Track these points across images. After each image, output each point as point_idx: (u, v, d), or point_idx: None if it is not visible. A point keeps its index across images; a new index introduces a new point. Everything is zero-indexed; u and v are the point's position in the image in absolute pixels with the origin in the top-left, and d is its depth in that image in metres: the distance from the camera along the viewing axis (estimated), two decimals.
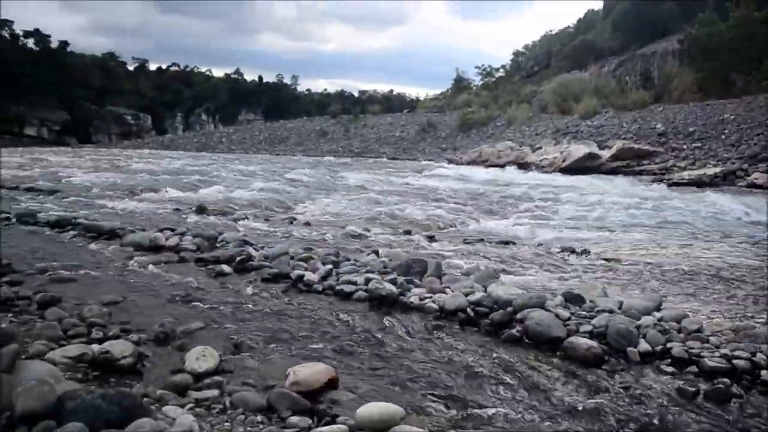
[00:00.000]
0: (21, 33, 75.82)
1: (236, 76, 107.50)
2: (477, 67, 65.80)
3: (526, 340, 3.83)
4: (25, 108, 66.11)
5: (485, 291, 4.49)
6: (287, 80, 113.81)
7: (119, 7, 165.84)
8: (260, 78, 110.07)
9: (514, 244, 7.76)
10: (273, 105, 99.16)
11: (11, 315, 3.92)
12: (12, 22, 75.15)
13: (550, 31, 64.09)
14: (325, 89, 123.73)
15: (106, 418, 2.08)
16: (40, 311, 4.00)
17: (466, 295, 4.41)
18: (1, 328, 2.83)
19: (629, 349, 3.61)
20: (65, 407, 2.09)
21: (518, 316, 4.03)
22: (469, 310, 4.23)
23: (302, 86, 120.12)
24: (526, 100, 39.87)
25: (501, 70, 65.44)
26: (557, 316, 3.95)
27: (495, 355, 3.65)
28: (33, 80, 66.24)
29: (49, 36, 76.72)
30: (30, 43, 75.84)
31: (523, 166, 25.17)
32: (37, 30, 76.62)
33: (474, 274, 5.29)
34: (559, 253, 7.14)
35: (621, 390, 3.20)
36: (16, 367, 2.51)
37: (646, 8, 41.28)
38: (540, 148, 26.93)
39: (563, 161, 23.54)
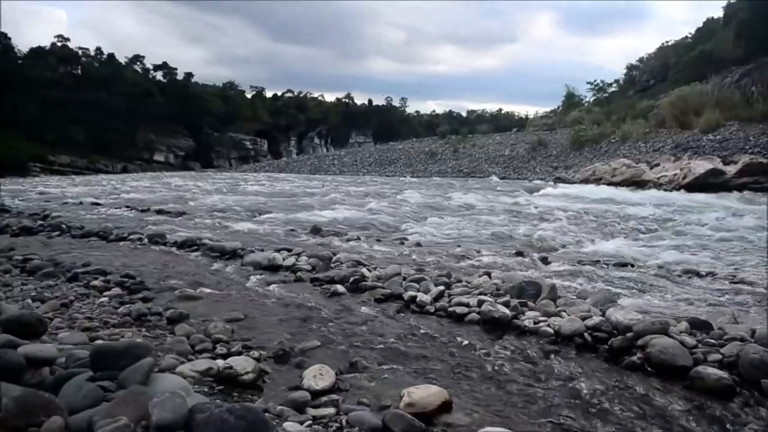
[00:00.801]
0: (151, 66, 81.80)
1: (347, 100, 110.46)
2: (589, 82, 63.89)
3: (648, 368, 3.64)
4: (154, 136, 71.01)
5: (603, 315, 4.32)
6: (396, 102, 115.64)
7: (238, 40, 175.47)
8: (370, 101, 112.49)
9: (632, 266, 7.43)
10: (382, 127, 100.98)
11: (144, 329, 4.21)
12: (143, 56, 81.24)
13: (667, 42, 61.28)
14: (434, 110, 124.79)
15: (232, 431, 2.19)
16: (169, 326, 4.28)
17: (583, 319, 4.26)
18: (136, 344, 3.04)
19: (764, 381, 3.36)
20: (196, 419, 2.21)
21: (639, 342, 3.84)
22: (586, 335, 4.09)
23: (411, 108, 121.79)
24: (642, 115, 38.21)
25: (614, 84, 63.33)
26: (682, 343, 3.74)
27: (615, 382, 3.50)
28: (162, 110, 71.04)
29: (176, 69, 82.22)
30: (159, 75, 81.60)
31: (640, 183, 24.10)
32: (165, 63, 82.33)
33: (590, 298, 5.13)
34: (681, 275, 6.78)
35: (755, 425, 2.98)
36: (151, 379, 2.69)
37: None
38: (658, 164, 25.71)
39: (684, 178, 22.34)
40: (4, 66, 63.80)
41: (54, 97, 63.66)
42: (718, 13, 53.72)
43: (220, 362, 3.42)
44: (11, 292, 5.10)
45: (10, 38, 72.17)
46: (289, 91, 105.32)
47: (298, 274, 6.13)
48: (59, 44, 77.00)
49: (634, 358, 3.75)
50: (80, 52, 78.08)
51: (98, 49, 79.40)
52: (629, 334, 3.94)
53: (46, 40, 79.92)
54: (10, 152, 50.93)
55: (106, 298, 5.02)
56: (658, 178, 23.77)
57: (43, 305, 4.60)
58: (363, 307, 5.03)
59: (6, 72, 62.02)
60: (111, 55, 78.81)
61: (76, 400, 2.45)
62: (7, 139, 53.28)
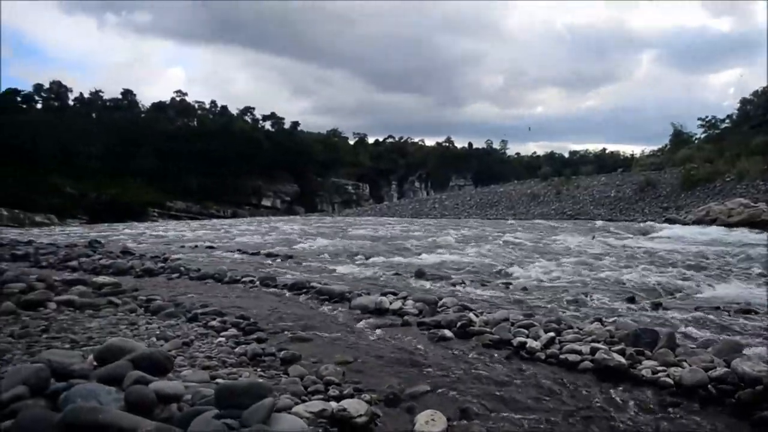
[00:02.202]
0: (260, 117, 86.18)
1: (446, 143, 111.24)
2: (699, 119, 61.08)
3: None
4: (262, 182, 74.26)
5: (728, 366, 4.08)
6: (496, 145, 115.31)
7: (341, 90, 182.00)
8: (470, 144, 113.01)
9: (757, 313, 6.97)
10: (482, 170, 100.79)
11: (260, 369, 4.37)
12: (253, 108, 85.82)
13: None
14: (535, 152, 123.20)
15: None
16: (283, 367, 4.41)
17: (706, 370, 4.04)
18: (259, 383, 3.16)
19: None
20: None
21: None
22: (710, 387, 3.88)
23: (511, 150, 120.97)
24: (758, 152, 36.04)
25: (727, 120, 60.27)
26: None
27: None
28: (269, 157, 74.38)
29: (283, 118, 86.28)
30: (267, 125, 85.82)
31: (760, 224, 22.63)
32: (273, 114, 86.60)
33: (712, 347, 4.86)
34: None
35: None
36: (272, 418, 2.79)
37: None
38: None
39: None
40: (129, 120, 69.31)
41: (171, 148, 68.22)
42: None
43: (333, 404, 3.49)
44: (137, 330, 5.44)
45: (135, 95, 78.38)
46: (390, 136, 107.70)
47: (405, 317, 6.17)
48: (178, 99, 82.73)
49: (765, 413, 3.51)
50: (196, 105, 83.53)
51: (213, 102, 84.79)
52: (759, 387, 3.71)
53: (165, 96, 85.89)
54: (134, 199, 54.83)
55: (224, 338, 5.24)
56: None
57: (167, 344, 4.86)
58: (471, 353, 4.99)
59: (131, 125, 67.35)
60: (224, 107, 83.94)
61: None
62: (131, 187, 57.49)
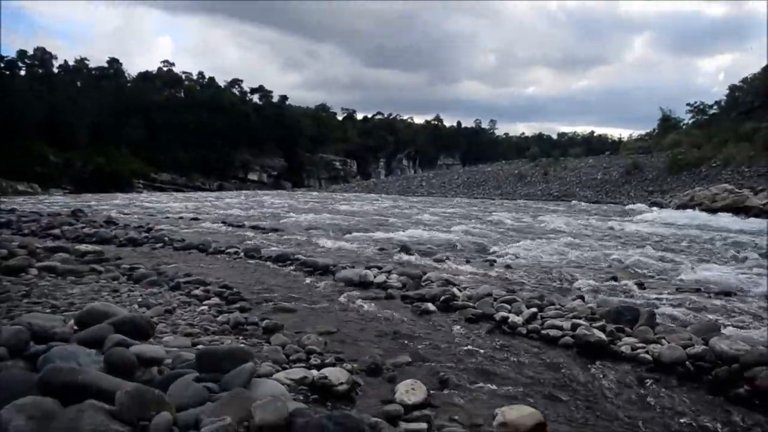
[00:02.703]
0: (248, 89, 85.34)
1: (436, 122, 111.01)
2: (688, 104, 61.29)
3: (757, 402, 3.45)
4: (249, 156, 73.79)
5: (706, 344, 4.13)
6: (485, 125, 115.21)
7: (332, 65, 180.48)
8: (459, 123, 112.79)
9: (736, 295, 7.05)
10: (471, 149, 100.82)
11: (242, 337, 4.37)
12: (241, 80, 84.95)
13: None
14: (523, 133, 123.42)
15: None
16: (265, 336, 4.42)
17: (685, 347, 4.08)
18: (239, 348, 3.16)
19: None
20: (296, 423, 2.28)
21: (747, 374, 3.65)
22: (688, 363, 3.92)
23: (500, 130, 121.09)
24: (746, 138, 36.27)
25: (715, 106, 60.52)
26: None
27: (720, 415, 3.33)
28: (257, 131, 73.86)
29: (272, 92, 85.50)
30: (255, 98, 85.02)
31: (744, 210, 22.82)
32: (261, 87, 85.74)
33: (692, 326, 4.91)
34: None
35: None
36: (252, 383, 2.79)
37: None
38: (763, 190, 24.31)
39: None
40: (115, 89, 68.35)
41: (159, 118, 67.49)
42: None
43: (314, 372, 3.50)
44: (119, 297, 5.41)
45: (121, 63, 77.22)
46: (379, 113, 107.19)
47: (389, 291, 6.19)
48: (165, 69, 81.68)
49: (741, 390, 3.56)
50: (183, 75, 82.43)
51: (200, 73, 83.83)
52: (735, 365, 3.75)
53: (153, 66, 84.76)
54: (119, 169, 54.31)
55: (206, 307, 5.24)
56: (764, 205, 22.46)
57: (149, 311, 4.84)
58: (454, 326, 5.02)
59: (117, 95, 66.45)
60: (212, 79, 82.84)
61: (183, 398, 2.58)
62: (117, 157, 56.89)
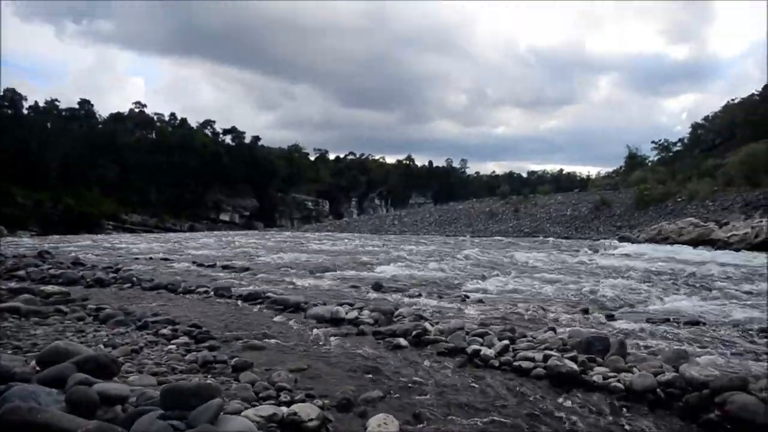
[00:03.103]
0: (220, 130, 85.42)
1: (407, 162, 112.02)
2: (653, 142, 62.95)
3: (728, 426, 3.47)
4: (222, 196, 73.46)
5: (676, 371, 4.16)
6: (456, 164, 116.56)
7: (305, 104, 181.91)
8: (430, 163, 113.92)
9: (704, 324, 7.14)
10: (442, 188, 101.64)
11: (210, 376, 4.28)
12: (214, 121, 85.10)
13: (733, 100, 60.12)
14: (494, 171, 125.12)
15: None
16: (234, 374, 4.33)
17: (655, 375, 4.11)
18: (205, 384, 3.10)
19: None
20: None
21: (717, 399, 3.67)
22: (659, 391, 3.94)
23: (471, 169, 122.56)
24: (708, 174, 37.25)
25: (679, 143, 62.17)
26: (763, 401, 3.55)
27: None
28: (229, 172, 73.72)
29: (244, 132, 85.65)
30: (228, 139, 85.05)
31: (709, 242, 23.28)
32: (234, 128, 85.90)
33: (662, 354, 4.94)
34: (758, 334, 6.45)
35: None
36: (220, 420, 2.73)
37: None
38: (727, 223, 24.84)
39: (755, 237, 21.46)
40: (86, 130, 67.87)
41: (130, 160, 67.04)
42: None
43: (284, 409, 3.44)
44: (85, 338, 5.29)
45: (92, 104, 76.91)
46: (351, 153, 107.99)
47: (361, 327, 6.14)
48: (137, 110, 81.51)
49: (712, 415, 3.58)
50: (155, 117, 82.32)
51: (172, 114, 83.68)
52: (705, 391, 3.79)
53: (124, 107, 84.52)
54: (89, 210, 53.52)
55: (174, 346, 5.14)
56: (728, 237, 22.92)
57: (115, 350, 4.73)
58: (425, 361, 4.98)
59: (88, 135, 65.93)
60: (183, 120, 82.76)
61: None
62: (87, 198, 56.11)
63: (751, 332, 6.57)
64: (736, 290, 10.48)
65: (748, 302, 9.08)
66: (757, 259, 17.14)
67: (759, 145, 35.49)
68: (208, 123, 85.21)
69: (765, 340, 6.23)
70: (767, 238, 20.86)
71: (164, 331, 5.67)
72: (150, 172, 66.78)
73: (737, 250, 20.90)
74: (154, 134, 79.18)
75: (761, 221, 22.76)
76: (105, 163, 63.47)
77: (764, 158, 32.47)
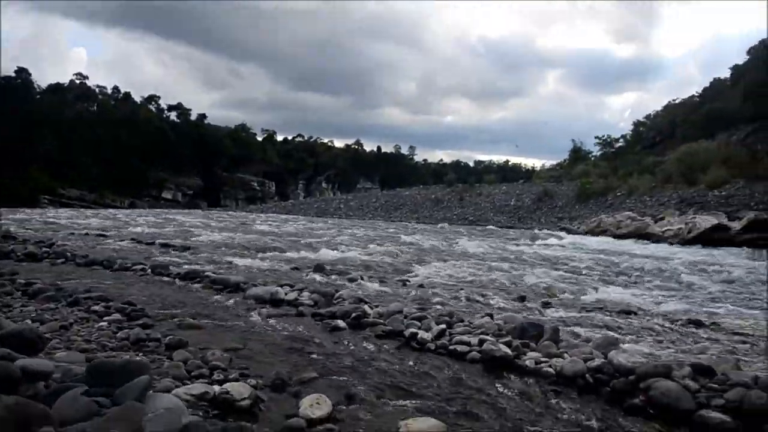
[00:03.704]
0: (165, 106, 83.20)
1: (356, 146, 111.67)
2: (597, 137, 64.51)
3: (651, 411, 3.59)
4: (165, 174, 71.67)
5: (605, 358, 4.28)
6: (405, 150, 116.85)
7: (254, 85, 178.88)
8: (379, 148, 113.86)
9: (635, 314, 7.37)
10: (390, 174, 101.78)
11: (142, 354, 4.18)
12: (159, 97, 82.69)
13: (674, 100, 62.13)
14: (441, 159, 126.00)
15: None
16: (167, 352, 4.24)
17: (585, 361, 4.22)
18: (134, 361, 3.02)
19: (767, 426, 3.30)
20: None
21: (641, 385, 3.79)
22: (588, 376, 4.04)
23: (419, 156, 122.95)
24: (648, 171, 38.44)
25: (621, 140, 63.86)
26: (685, 387, 3.69)
27: (616, 424, 3.45)
28: (174, 149, 71.96)
29: (190, 110, 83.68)
30: (173, 115, 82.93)
31: (645, 236, 24.06)
32: (179, 104, 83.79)
33: (593, 341, 5.08)
34: (684, 325, 6.71)
35: None
36: (147, 397, 2.66)
37: None
38: (663, 218, 25.72)
39: (688, 232, 22.28)
40: (23, 102, 64.98)
41: (70, 133, 64.61)
42: (725, 73, 54.61)
43: (216, 387, 3.39)
44: (11, 313, 5.10)
45: (30, 74, 73.74)
46: (299, 135, 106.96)
47: (300, 308, 6.11)
48: (77, 81, 78.56)
49: (636, 400, 3.70)
50: (98, 89, 79.51)
51: (115, 87, 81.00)
52: (632, 377, 3.90)
53: (66, 79, 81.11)
54: (25, 184, 51.47)
55: (106, 323, 5.00)
56: (663, 232, 23.72)
57: (43, 326, 4.58)
58: (363, 343, 4.99)
59: (25, 108, 63.14)
60: (127, 94, 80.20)
61: (70, 413, 2.44)
62: (23, 172, 53.90)
63: (678, 322, 6.82)
64: (667, 283, 10.86)
65: (678, 294, 9.43)
66: (689, 253, 17.80)
67: (696, 144, 36.80)
68: (152, 98, 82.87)
69: (691, 330, 6.48)
70: (699, 234, 21.64)
71: (96, 307, 5.51)
72: (90, 147, 64.57)
73: (671, 244, 21.66)
74: (96, 107, 76.57)
75: (694, 218, 23.62)
76: (43, 135, 61.05)
77: (701, 157, 33.66)
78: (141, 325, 4.97)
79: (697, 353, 5.15)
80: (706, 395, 3.62)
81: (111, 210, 45.17)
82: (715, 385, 3.75)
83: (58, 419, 2.35)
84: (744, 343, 5.84)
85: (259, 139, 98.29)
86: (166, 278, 7.82)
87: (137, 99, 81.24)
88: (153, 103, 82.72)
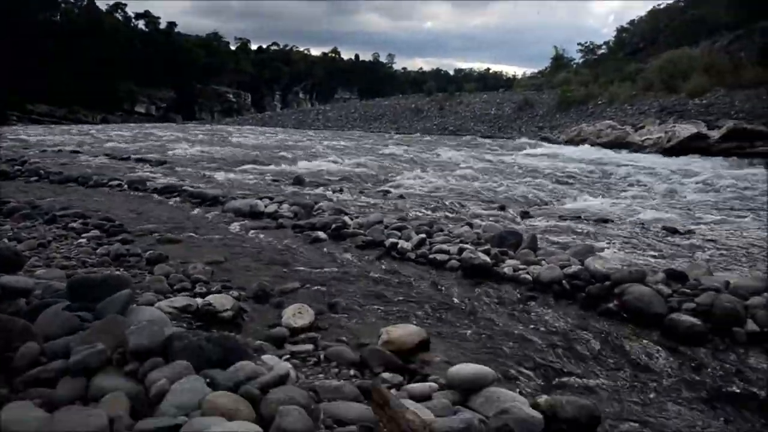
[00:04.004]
0: (132, 15, 79.83)
1: (333, 55, 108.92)
2: (579, 44, 63.53)
3: (624, 315, 3.70)
4: (135, 86, 69.67)
5: (582, 264, 4.36)
6: (383, 59, 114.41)
7: None
8: (357, 56, 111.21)
9: (612, 222, 7.49)
10: (368, 83, 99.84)
11: (123, 269, 4.18)
12: (125, 4, 79.17)
13: (659, 5, 60.83)
14: (421, 68, 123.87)
15: (209, 358, 2.19)
16: (148, 267, 4.26)
17: (562, 267, 4.30)
18: (115, 275, 3.02)
19: (735, 328, 3.42)
20: (173, 346, 2.21)
21: (616, 290, 3.89)
22: (564, 282, 4.13)
23: (398, 65, 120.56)
24: (630, 78, 38.06)
25: (604, 47, 62.92)
26: (658, 292, 3.79)
27: (590, 327, 3.55)
28: (143, 60, 69.60)
29: (159, 18, 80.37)
30: (141, 24, 79.73)
31: (625, 145, 24.15)
32: (147, 12, 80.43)
33: (570, 249, 5.17)
34: (659, 232, 6.84)
35: (724, 368, 3.05)
36: (130, 311, 2.67)
37: None
38: (643, 127, 25.72)
39: (668, 141, 22.38)
40: None
41: (32, 45, 62.01)
42: None
43: (198, 300, 3.42)
44: None
45: None
46: (274, 43, 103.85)
47: (280, 221, 6.11)
48: None
49: (611, 305, 3.80)
50: None
51: None
52: (607, 283, 4.00)
53: None
54: None
55: (85, 240, 4.98)
56: (643, 141, 23.80)
57: (20, 244, 4.54)
58: (344, 253, 5.04)
59: None
60: (91, 1, 76.57)
61: (52, 328, 2.44)
62: None
63: (654, 230, 6.96)
64: (644, 191, 11.01)
65: (654, 203, 9.57)
66: (666, 162, 17.97)
67: (679, 51, 36.34)
68: (118, 5, 79.19)
69: (666, 237, 6.62)
70: (678, 142, 21.76)
71: (74, 224, 5.47)
72: (56, 59, 62.22)
73: (650, 153, 21.79)
74: (59, 16, 73.32)
75: (674, 126, 23.66)
76: (4, 48, 58.59)
77: (683, 65, 33.33)
78: (120, 241, 4.96)
79: (672, 260, 5.29)
80: (678, 299, 3.72)
81: (83, 125, 44.17)
82: (687, 290, 3.85)
83: (41, 334, 2.35)
84: (717, 249, 5.99)
85: (233, 48, 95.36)
86: (143, 193, 7.75)
87: (102, 6, 77.77)
88: (119, 11, 79.27)
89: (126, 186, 8.13)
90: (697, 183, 12.19)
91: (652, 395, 2.76)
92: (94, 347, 2.16)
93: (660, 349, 3.27)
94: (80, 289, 2.79)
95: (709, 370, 3.04)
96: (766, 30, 32.69)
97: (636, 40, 57.83)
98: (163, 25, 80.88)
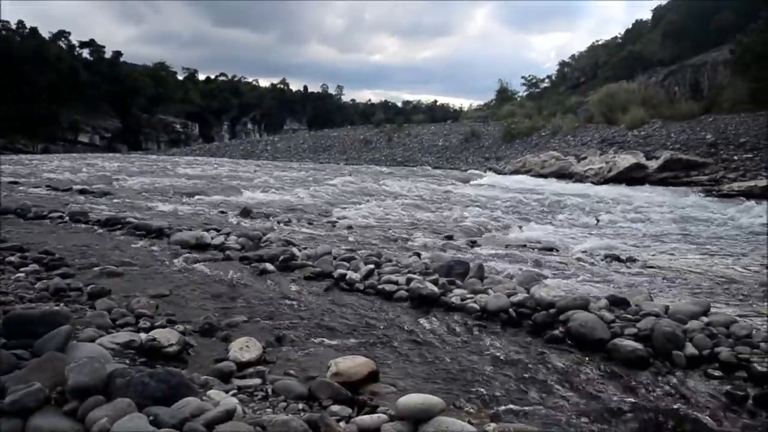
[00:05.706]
0: (77, 43, 78.40)
1: (282, 86, 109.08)
2: (523, 77, 65.40)
3: (569, 341, 3.78)
4: (79, 116, 68.14)
5: (528, 292, 4.45)
6: (332, 90, 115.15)
7: (172, 19, 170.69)
8: (305, 88, 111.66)
9: (557, 251, 7.67)
10: (318, 114, 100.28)
11: (63, 304, 4.05)
12: (69, 33, 77.76)
13: (597, 41, 63.40)
14: (370, 99, 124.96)
15: (153, 395, 2.14)
16: (90, 302, 4.13)
17: (509, 296, 4.37)
18: (55, 311, 2.93)
19: (675, 352, 3.53)
20: (115, 383, 2.15)
21: (561, 317, 3.98)
22: (511, 310, 4.20)
23: (347, 96, 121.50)
24: (572, 111, 39.34)
25: (546, 80, 64.96)
26: (601, 318, 3.89)
27: (537, 354, 3.61)
28: (88, 89, 68.25)
29: (104, 47, 79.12)
30: (85, 53, 78.30)
31: (568, 176, 24.85)
32: (92, 41, 79.12)
33: (516, 277, 5.26)
34: (602, 260, 7.04)
35: (665, 392, 3.14)
36: (69, 347, 2.59)
37: (699, 18, 40.36)
38: (585, 158, 26.52)
39: (609, 171, 23.14)
40: None
41: None
42: (647, 15, 56.02)
43: (142, 335, 3.34)
44: None
45: None
46: (222, 74, 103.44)
47: (227, 252, 6.03)
48: None
49: (556, 331, 3.88)
50: (0, 25, 74.04)
51: (20, 22, 75.39)
52: (552, 310, 4.08)
53: None
54: None
55: (23, 274, 4.80)
56: (585, 171, 24.52)
57: None
58: (292, 285, 5.00)
59: None
60: (33, 30, 74.93)
61: None
62: None
63: (597, 258, 7.15)
64: (587, 221, 11.31)
65: (597, 232, 9.84)
66: (608, 192, 18.52)
67: (617, 85, 37.79)
68: (62, 34, 77.67)
69: (609, 265, 6.80)
70: (619, 173, 22.50)
71: (12, 258, 5.26)
72: None
73: (592, 183, 22.45)
74: None
75: (615, 157, 24.47)
76: None
77: (621, 98, 34.64)
78: (61, 275, 4.79)
79: (614, 286, 5.43)
80: (620, 325, 3.83)
81: (22, 155, 42.88)
82: (629, 316, 3.98)
83: None
84: (657, 276, 6.19)
85: (180, 78, 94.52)
86: (85, 225, 7.55)
87: (45, 35, 76.18)
88: (63, 39, 77.76)
89: (67, 218, 7.89)
90: (637, 212, 12.60)
91: (597, 421, 2.81)
92: (31, 386, 2.09)
93: (604, 374, 3.35)
94: (17, 325, 2.70)
95: (651, 394, 3.12)
96: (696, 66, 34.34)
97: (577, 75, 60.04)
98: (108, 54, 79.57)
